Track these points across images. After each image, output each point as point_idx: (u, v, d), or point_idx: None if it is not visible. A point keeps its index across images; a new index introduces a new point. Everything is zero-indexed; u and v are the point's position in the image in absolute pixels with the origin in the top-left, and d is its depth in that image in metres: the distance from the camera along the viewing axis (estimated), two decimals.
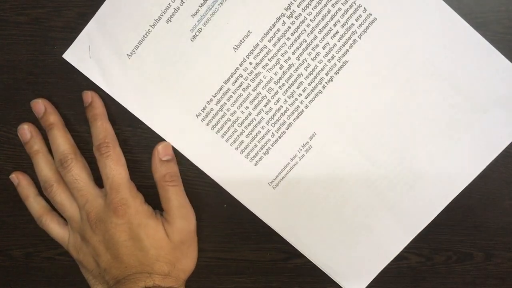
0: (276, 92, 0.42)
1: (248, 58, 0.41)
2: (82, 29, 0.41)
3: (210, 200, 0.45)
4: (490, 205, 0.45)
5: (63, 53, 0.42)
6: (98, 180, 0.43)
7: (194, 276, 0.45)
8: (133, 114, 0.43)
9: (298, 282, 0.47)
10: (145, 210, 0.43)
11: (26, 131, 0.44)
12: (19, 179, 0.45)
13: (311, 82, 0.42)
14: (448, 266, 0.47)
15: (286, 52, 0.41)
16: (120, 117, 0.43)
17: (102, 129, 0.42)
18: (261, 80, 0.42)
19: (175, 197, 0.43)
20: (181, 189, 0.44)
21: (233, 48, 0.41)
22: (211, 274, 0.48)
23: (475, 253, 0.47)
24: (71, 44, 0.42)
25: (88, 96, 0.43)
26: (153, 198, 0.44)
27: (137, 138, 0.44)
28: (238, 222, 0.45)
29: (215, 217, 0.46)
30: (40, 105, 0.43)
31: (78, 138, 0.44)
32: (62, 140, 0.43)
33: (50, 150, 0.44)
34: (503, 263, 0.47)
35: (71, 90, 0.43)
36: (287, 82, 0.42)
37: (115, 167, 0.42)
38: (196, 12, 0.41)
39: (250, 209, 0.45)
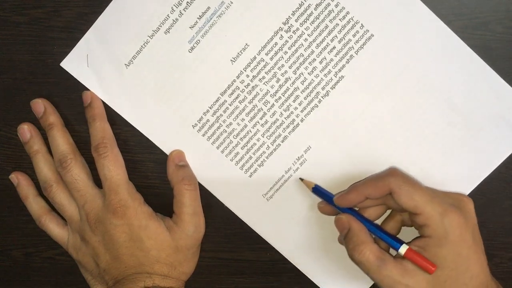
0: (272, 105, 0.42)
1: (245, 70, 0.42)
2: (82, 29, 0.41)
3: (210, 200, 0.45)
4: (490, 205, 0.45)
5: (62, 53, 0.42)
6: (98, 180, 0.43)
7: (194, 276, 0.45)
8: None
9: (298, 282, 0.47)
10: (145, 211, 0.43)
11: (25, 131, 0.44)
12: (19, 179, 0.45)
13: (307, 96, 0.42)
14: None
15: (283, 65, 0.41)
16: (120, 117, 0.44)
17: (100, 129, 0.42)
18: (257, 92, 0.42)
19: (190, 203, 0.43)
20: (197, 195, 0.44)
21: (231, 60, 0.41)
22: (211, 274, 0.48)
23: None
24: (70, 44, 0.42)
25: (88, 96, 0.43)
26: (152, 199, 0.44)
27: (137, 138, 0.44)
28: (238, 222, 0.45)
29: (215, 217, 0.46)
30: (40, 105, 0.43)
31: (78, 138, 0.44)
32: (61, 140, 0.43)
33: (50, 150, 0.44)
34: (503, 263, 0.47)
35: (71, 90, 0.43)
36: (283, 96, 0.42)
37: (113, 168, 0.42)
38: (195, 24, 0.41)
39: (243, 220, 0.45)
